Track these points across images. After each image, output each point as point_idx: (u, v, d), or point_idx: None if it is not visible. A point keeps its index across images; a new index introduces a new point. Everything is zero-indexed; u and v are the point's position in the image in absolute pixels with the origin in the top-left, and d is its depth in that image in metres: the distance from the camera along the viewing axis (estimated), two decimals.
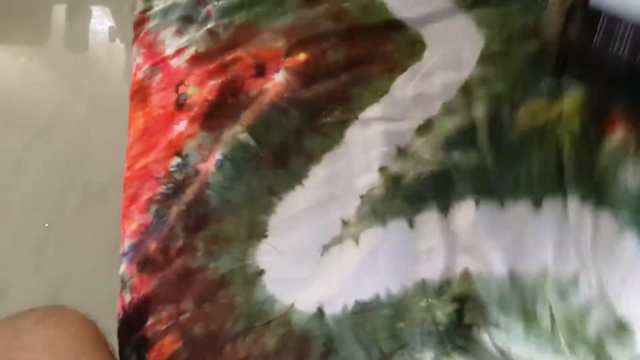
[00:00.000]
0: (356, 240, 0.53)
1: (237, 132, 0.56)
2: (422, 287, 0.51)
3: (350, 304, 0.51)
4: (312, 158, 0.56)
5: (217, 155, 0.55)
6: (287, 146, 0.56)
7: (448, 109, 0.58)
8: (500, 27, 0.61)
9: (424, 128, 0.57)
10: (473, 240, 0.52)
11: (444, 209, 0.54)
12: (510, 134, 0.55)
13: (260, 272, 0.52)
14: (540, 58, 0.59)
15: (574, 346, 0.47)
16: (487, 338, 0.48)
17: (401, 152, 0.56)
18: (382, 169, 0.56)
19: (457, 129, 0.57)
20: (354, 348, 0.49)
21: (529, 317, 0.48)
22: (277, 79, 0.59)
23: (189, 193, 0.54)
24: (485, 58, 0.60)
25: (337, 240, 0.53)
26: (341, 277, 0.52)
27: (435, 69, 0.60)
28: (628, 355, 0.45)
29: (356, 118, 0.58)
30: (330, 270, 0.52)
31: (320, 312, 0.50)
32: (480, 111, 0.57)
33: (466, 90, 0.59)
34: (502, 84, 0.59)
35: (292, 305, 0.51)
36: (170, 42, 0.64)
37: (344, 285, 0.51)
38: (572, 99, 0.57)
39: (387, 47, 0.61)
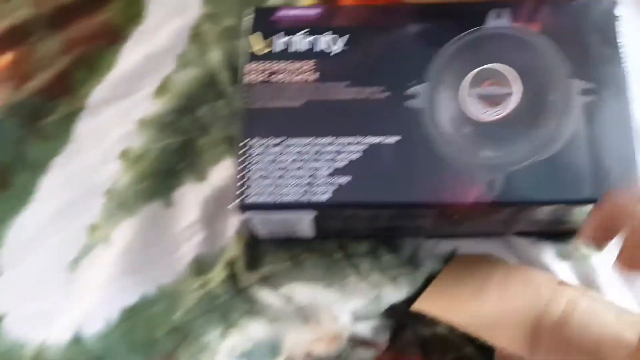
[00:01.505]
0: (108, 243, 0.45)
1: None
2: (195, 266, 0.44)
3: (115, 315, 0.43)
4: (40, 168, 0.47)
5: None
6: (6, 164, 0.47)
7: (183, 62, 0.50)
8: None
9: (161, 90, 0.49)
10: None
11: (200, 176, 0.46)
12: None
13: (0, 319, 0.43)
14: None
15: None
16: (268, 291, 0.43)
17: (142, 124, 0.48)
18: (123, 154, 0.47)
19: (197, 82, 0.49)
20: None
21: None
22: None
23: None
24: None
25: (87, 249, 0.45)
26: (97, 288, 0.43)
27: (161, 22, 0.52)
28: None
29: (84, 107, 0.49)
30: (86, 285, 0.44)
31: (77, 337, 0.42)
32: (215, 55, 0.49)
33: (196, 34, 0.51)
34: (231, 15, 0.51)
35: (43, 342, 0.42)
36: None
37: (103, 296, 0.44)
38: None
39: (105, 17, 0.53)
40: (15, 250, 0.45)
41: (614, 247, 0.31)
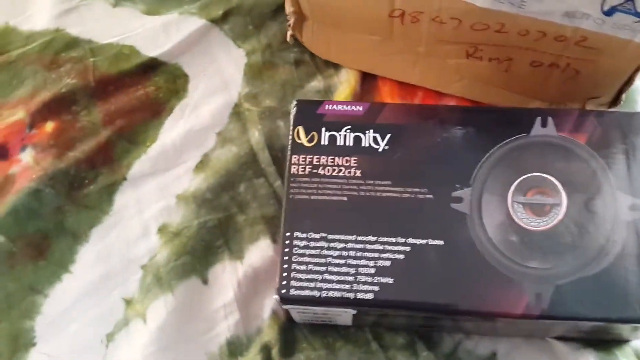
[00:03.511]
0: (144, 319, 0.45)
1: None
2: (229, 347, 0.45)
3: None
4: (79, 237, 0.48)
5: None
6: (46, 232, 0.48)
7: (223, 139, 0.52)
8: (258, 35, 0.55)
9: (201, 166, 0.51)
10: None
11: (237, 255, 0.47)
12: None
13: None
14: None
15: None
16: None
17: (181, 200, 0.49)
18: (161, 229, 0.48)
19: (236, 160, 0.51)
20: None
21: None
22: (24, 160, 0.50)
23: None
24: (250, 72, 0.54)
25: (122, 324, 0.46)
26: None
27: (203, 98, 0.54)
28: None
29: (124, 178, 0.51)
30: None
31: None
32: (255, 134, 0.51)
33: (238, 112, 0.52)
34: (272, 97, 0.52)
35: None
36: None
37: None
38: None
39: (148, 91, 0.55)
40: (52, 320, 0.46)
41: None
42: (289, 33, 0.53)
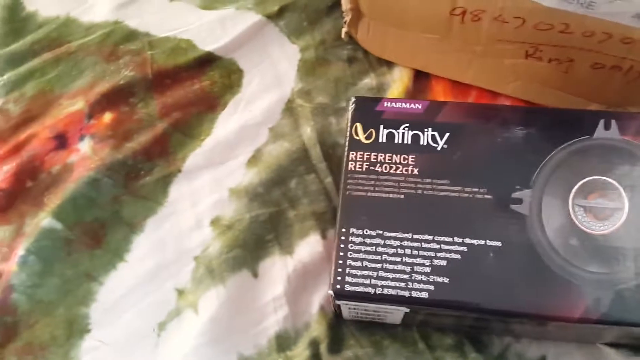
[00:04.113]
0: (195, 309, 0.46)
1: (41, 219, 0.49)
2: (278, 341, 0.45)
3: None
4: (134, 227, 0.49)
5: (20, 251, 0.48)
6: (102, 221, 0.49)
7: (275, 135, 0.52)
8: (312, 32, 0.56)
9: (253, 160, 0.51)
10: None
11: (287, 249, 0.47)
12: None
13: None
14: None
15: None
16: None
17: (233, 193, 0.49)
18: (214, 221, 0.49)
19: (288, 155, 0.51)
20: None
21: None
22: (83, 150, 0.52)
23: None
24: (303, 69, 0.54)
25: (174, 313, 0.47)
26: (184, 354, 0.44)
27: (256, 94, 0.54)
28: None
29: (179, 170, 0.52)
30: (172, 350, 0.45)
31: None
32: (307, 130, 0.51)
33: (290, 108, 0.53)
34: (324, 93, 0.53)
35: None
36: None
37: None
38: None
39: (203, 85, 0.55)
40: (106, 307, 0.47)
41: None
42: (344, 30, 0.53)
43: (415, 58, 0.53)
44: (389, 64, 0.55)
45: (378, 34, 0.52)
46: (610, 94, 0.47)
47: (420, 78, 0.54)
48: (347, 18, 0.52)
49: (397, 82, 0.54)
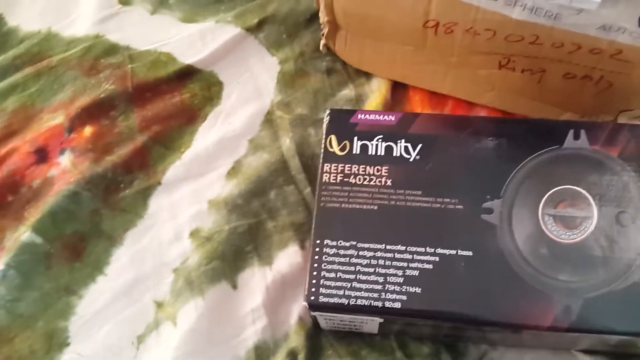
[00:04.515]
0: (174, 321, 0.46)
1: (21, 233, 0.49)
2: (257, 352, 0.45)
3: None
4: (114, 240, 0.50)
5: (0, 265, 0.48)
6: (82, 234, 0.49)
7: (255, 146, 0.52)
8: (291, 44, 0.56)
9: (233, 172, 0.51)
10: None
11: (266, 260, 0.48)
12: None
13: None
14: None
15: None
16: None
17: (212, 205, 0.50)
18: (193, 233, 0.49)
19: (267, 167, 0.51)
20: None
21: None
22: (63, 163, 0.52)
23: None
24: (283, 80, 0.55)
25: (153, 326, 0.47)
26: None
27: (236, 106, 0.55)
28: None
29: (159, 183, 0.52)
30: None
31: None
32: (287, 141, 0.52)
33: (270, 120, 0.53)
34: (303, 104, 0.53)
35: None
36: None
37: None
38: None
39: (184, 98, 0.56)
40: (85, 321, 0.47)
41: None
42: (322, 42, 0.54)
43: (392, 69, 0.53)
44: (368, 75, 0.55)
45: (355, 46, 0.53)
46: (583, 103, 0.48)
47: (399, 89, 0.55)
48: (325, 30, 0.52)
49: (376, 93, 0.55)
